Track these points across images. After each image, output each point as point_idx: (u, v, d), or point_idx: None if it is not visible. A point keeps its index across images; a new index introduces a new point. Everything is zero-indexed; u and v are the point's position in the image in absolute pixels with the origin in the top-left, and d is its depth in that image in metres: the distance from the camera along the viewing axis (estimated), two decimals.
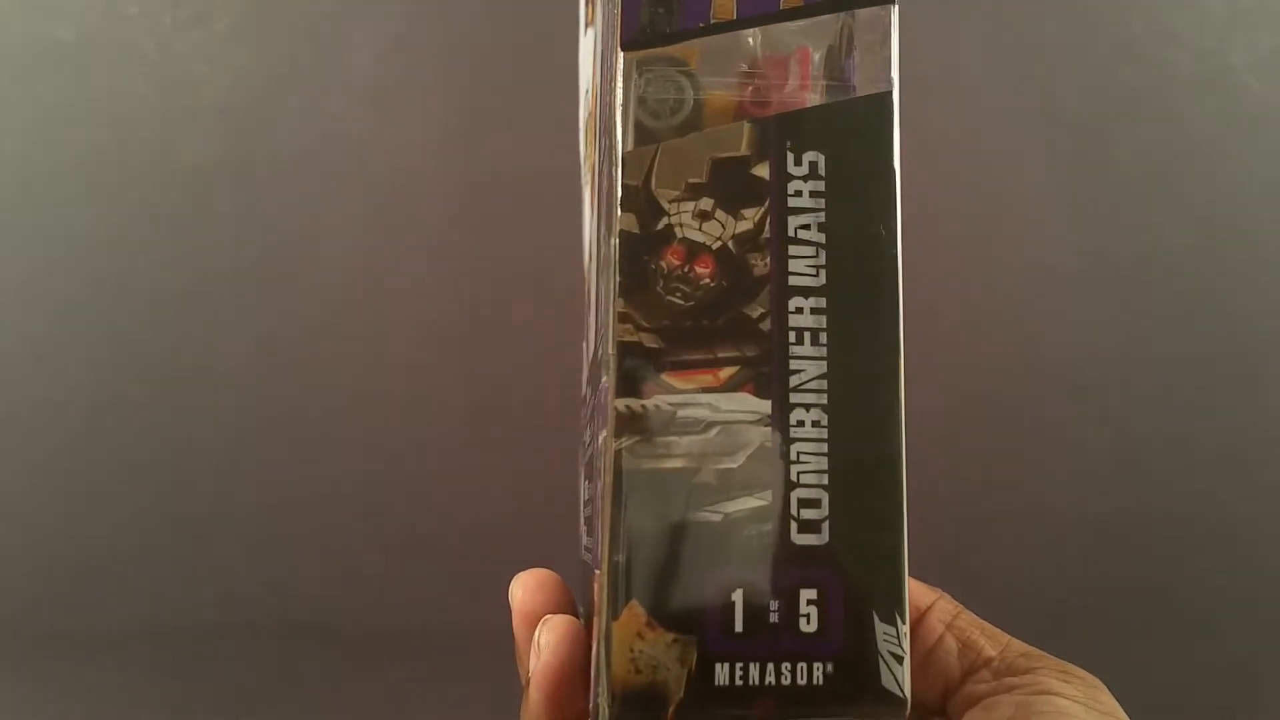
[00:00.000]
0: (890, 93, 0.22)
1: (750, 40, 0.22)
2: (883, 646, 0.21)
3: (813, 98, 0.22)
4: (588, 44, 0.27)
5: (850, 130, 0.22)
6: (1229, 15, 0.55)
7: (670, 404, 0.21)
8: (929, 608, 0.25)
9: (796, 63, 0.22)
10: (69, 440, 0.55)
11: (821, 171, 0.21)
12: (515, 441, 0.54)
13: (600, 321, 0.22)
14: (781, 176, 0.21)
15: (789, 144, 0.21)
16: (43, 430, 0.55)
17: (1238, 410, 0.56)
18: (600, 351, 0.22)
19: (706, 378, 0.21)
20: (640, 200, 0.21)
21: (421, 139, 0.55)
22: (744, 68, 0.22)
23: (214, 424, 0.55)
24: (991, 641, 0.24)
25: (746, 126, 0.21)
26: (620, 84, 0.21)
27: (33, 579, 0.55)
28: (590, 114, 0.26)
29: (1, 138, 0.54)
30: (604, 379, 0.21)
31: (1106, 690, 0.22)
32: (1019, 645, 0.24)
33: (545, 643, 0.23)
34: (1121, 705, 0.22)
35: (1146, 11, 0.55)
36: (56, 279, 0.55)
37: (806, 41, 0.22)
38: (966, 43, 0.55)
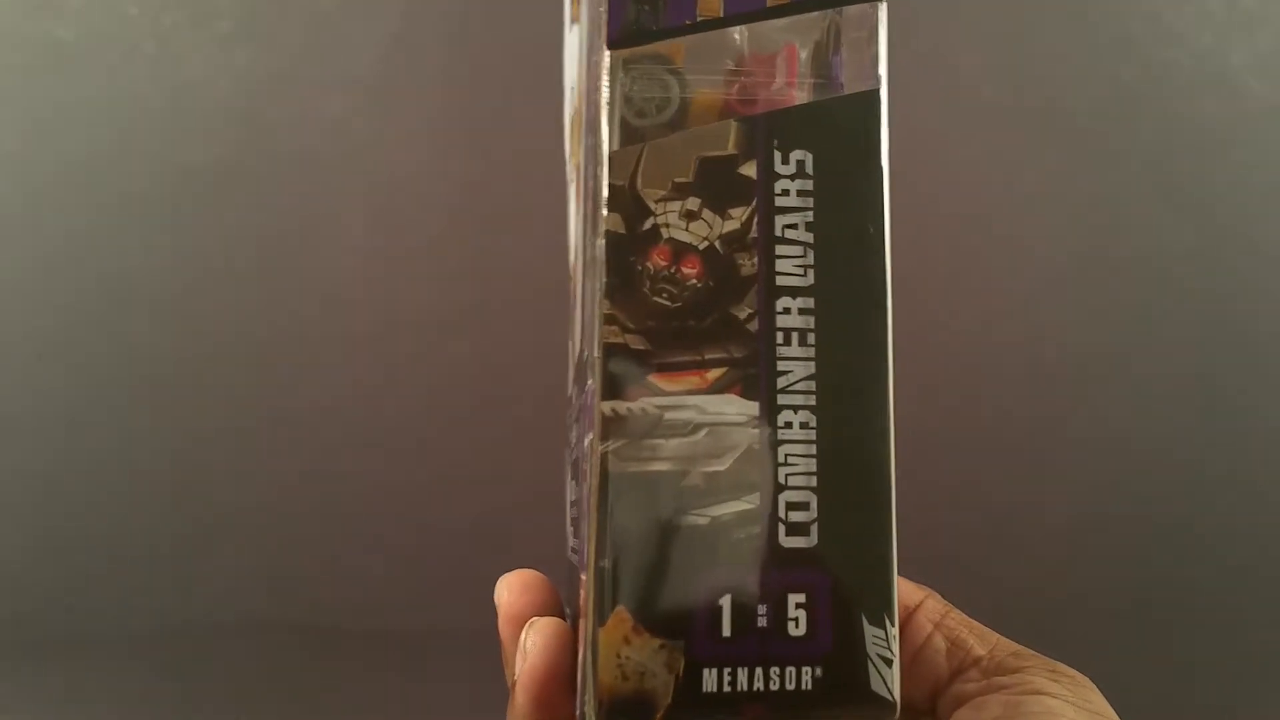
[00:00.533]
0: (878, 90, 0.22)
1: (737, 38, 0.21)
2: (872, 649, 0.21)
3: (800, 95, 0.21)
4: (573, 41, 0.27)
5: (837, 128, 0.21)
6: (1229, 15, 0.55)
7: (657, 406, 0.20)
8: (917, 606, 0.25)
9: (783, 60, 0.21)
10: (69, 440, 0.55)
11: (809, 170, 0.21)
12: (518, 441, 0.54)
13: (586, 323, 0.22)
14: (769, 175, 0.21)
15: (776, 142, 0.21)
16: (42, 429, 0.55)
17: (1239, 410, 0.56)
18: (586, 353, 0.22)
19: (693, 379, 0.21)
20: (626, 200, 0.21)
21: (421, 139, 0.55)
22: (730, 65, 0.21)
23: (213, 424, 0.55)
24: (980, 640, 0.24)
25: (733, 125, 0.21)
26: (606, 82, 0.21)
27: (33, 579, 0.55)
28: (575, 112, 0.26)
29: (0, 137, 0.54)
30: (590, 381, 0.21)
31: (1096, 689, 0.22)
32: (1008, 644, 0.24)
33: (531, 645, 0.23)
34: (1120, 705, 0.22)
35: (1146, 11, 0.54)
36: (55, 278, 0.55)
37: (794, 39, 0.21)
38: (965, 42, 0.55)
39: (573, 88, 0.27)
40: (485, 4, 0.55)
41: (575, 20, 0.26)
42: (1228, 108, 0.55)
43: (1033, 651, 0.23)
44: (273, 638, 0.54)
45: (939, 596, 0.25)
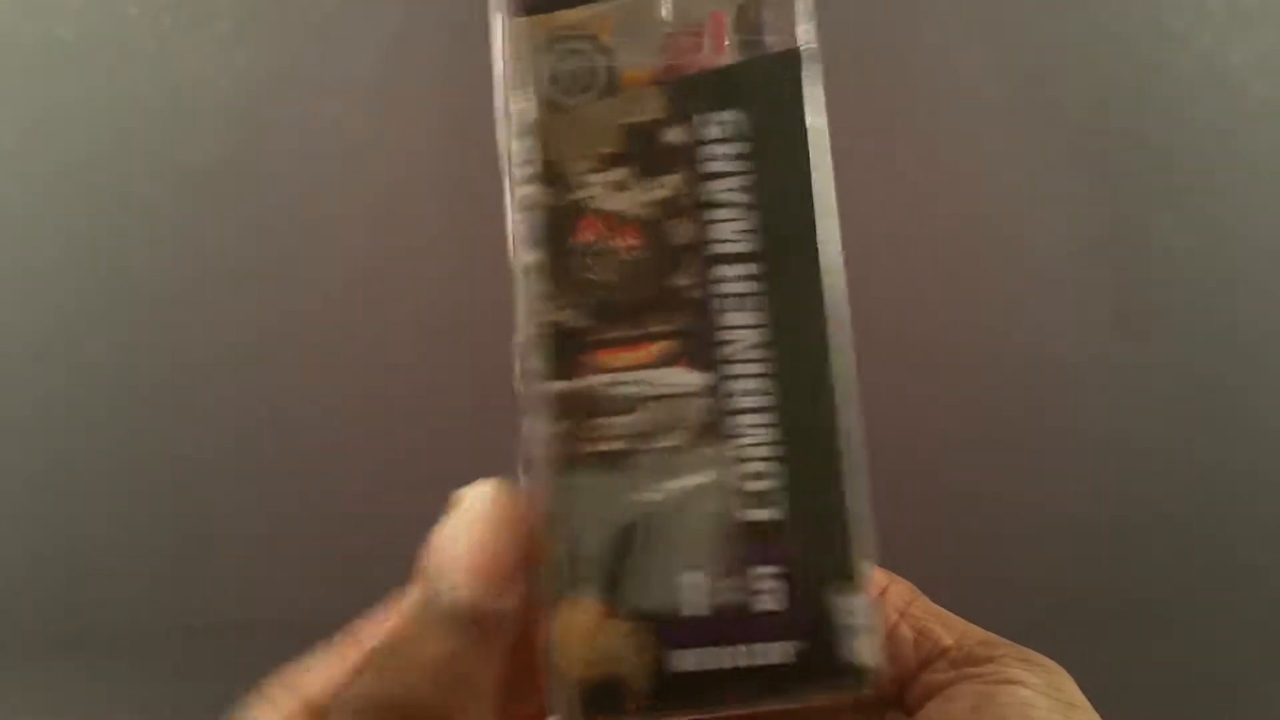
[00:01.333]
0: (798, 49, 0.21)
1: (663, 10, 0.21)
2: (846, 619, 0.20)
3: (727, 61, 0.21)
4: (497, 27, 0.27)
5: (762, 89, 0.21)
6: (1229, 15, 0.54)
7: (602, 384, 0.20)
8: (881, 593, 0.24)
9: (710, 29, 0.21)
10: (69, 440, 0.55)
11: (738, 133, 0.21)
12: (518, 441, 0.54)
13: (522, 308, 0.21)
14: (697, 140, 0.21)
15: (702, 105, 0.21)
16: (42, 430, 0.55)
17: (1239, 409, 0.55)
18: (523, 335, 0.21)
19: (638, 353, 0.20)
20: (550, 174, 0.20)
21: (421, 139, 0.55)
22: (658, 37, 0.21)
23: (213, 424, 0.55)
24: (947, 629, 0.23)
25: (656, 90, 0.21)
26: (522, 52, 0.21)
27: (33, 579, 0.55)
28: (502, 99, 0.26)
29: (0, 137, 0.54)
30: (530, 363, 0.20)
31: (1069, 678, 0.22)
32: (977, 632, 0.23)
33: (472, 497, 0.21)
34: (1120, 704, 0.22)
35: (1146, 11, 0.54)
36: (55, 278, 0.55)
37: (718, 7, 0.21)
38: (965, 41, 0.55)
39: (499, 75, 0.26)
40: (485, 4, 0.55)
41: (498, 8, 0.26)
42: (1228, 108, 0.55)
43: (1002, 639, 0.23)
44: (273, 638, 0.54)
45: (906, 583, 0.25)
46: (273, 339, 0.55)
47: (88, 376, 0.55)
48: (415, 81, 0.55)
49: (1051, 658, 0.23)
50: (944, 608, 0.25)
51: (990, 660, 0.22)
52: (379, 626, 0.20)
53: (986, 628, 0.25)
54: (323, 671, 0.23)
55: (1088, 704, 0.21)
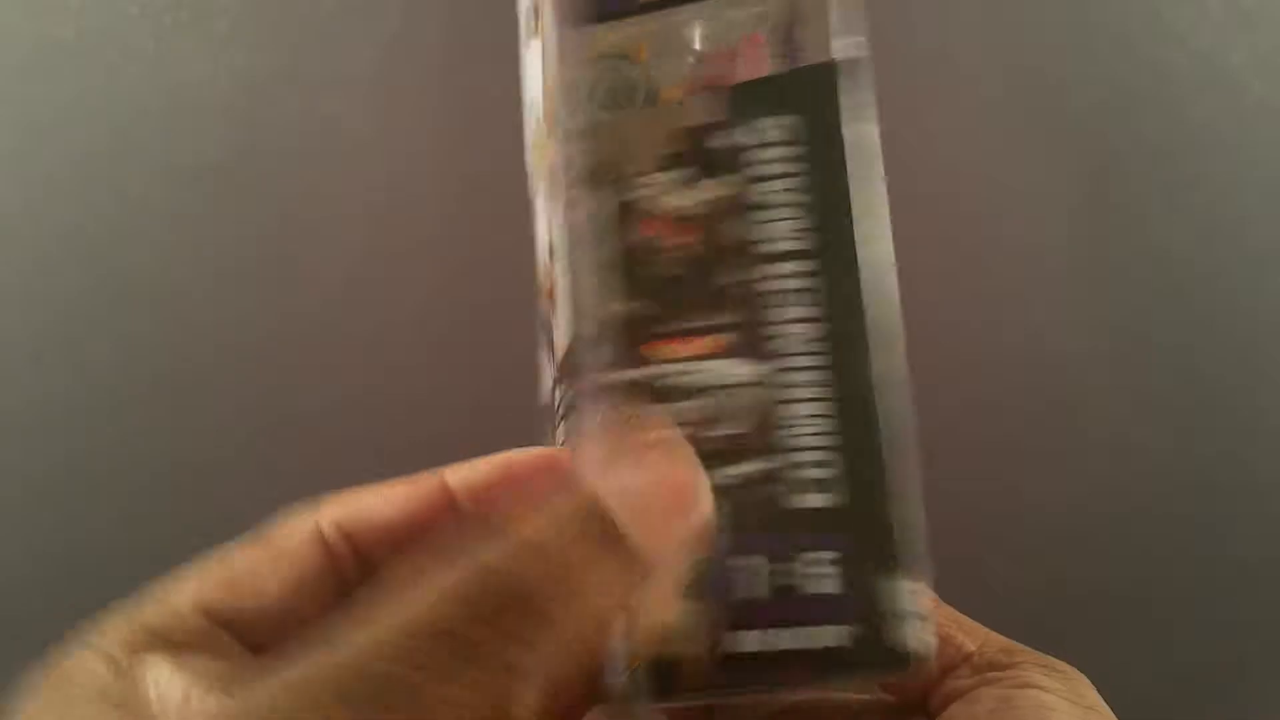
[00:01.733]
0: (833, 61, 0.22)
1: (697, 32, 0.22)
2: (903, 604, 0.21)
3: (766, 72, 0.22)
4: (533, 57, 0.27)
5: (806, 97, 0.22)
6: (1229, 15, 0.54)
7: (663, 374, 0.20)
8: None
9: (745, 47, 0.22)
10: (68, 440, 0.55)
11: (787, 138, 0.22)
12: (519, 443, 0.54)
13: (579, 303, 0.22)
14: (750, 143, 0.21)
15: (753, 110, 0.21)
16: (42, 430, 0.55)
17: (1239, 409, 0.56)
18: (584, 333, 0.22)
19: (695, 345, 0.21)
20: (609, 176, 0.21)
21: (421, 139, 0.55)
22: (692, 59, 0.22)
23: (213, 424, 0.55)
24: (970, 636, 0.24)
25: (710, 96, 0.21)
26: (574, 63, 0.21)
27: (33, 579, 0.55)
28: (538, 121, 0.26)
29: (0, 136, 0.54)
30: (589, 360, 0.21)
31: (1089, 684, 0.22)
32: (998, 639, 0.24)
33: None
34: (1120, 705, 0.22)
35: (1146, 11, 0.54)
36: (55, 278, 0.55)
37: (754, 28, 0.22)
38: (965, 41, 0.55)
39: (535, 100, 0.27)
40: (485, 4, 0.55)
41: (535, 34, 0.27)
42: (1228, 108, 0.55)
43: (1023, 646, 0.23)
44: None
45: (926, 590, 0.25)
46: (273, 339, 0.55)
47: (88, 376, 0.55)
48: (415, 81, 0.55)
49: (1051, 657, 0.23)
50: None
51: (1011, 666, 0.22)
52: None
53: (986, 627, 0.25)
54: (385, 495, 0.23)
55: (1108, 710, 0.21)
